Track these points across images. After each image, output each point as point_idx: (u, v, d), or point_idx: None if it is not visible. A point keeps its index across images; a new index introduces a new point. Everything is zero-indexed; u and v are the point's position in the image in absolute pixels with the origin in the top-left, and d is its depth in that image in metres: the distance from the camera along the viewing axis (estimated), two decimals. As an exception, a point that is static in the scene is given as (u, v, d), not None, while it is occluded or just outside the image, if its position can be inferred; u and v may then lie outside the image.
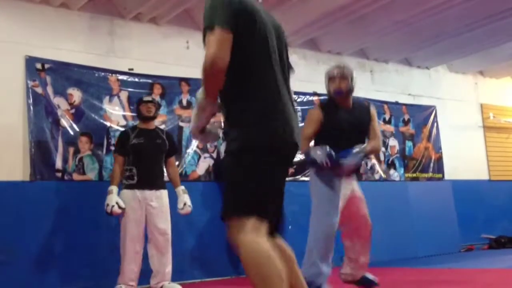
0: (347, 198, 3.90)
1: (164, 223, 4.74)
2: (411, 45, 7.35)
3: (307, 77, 6.98)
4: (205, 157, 6.01)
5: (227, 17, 2.11)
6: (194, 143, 5.94)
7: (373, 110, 4.13)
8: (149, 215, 4.69)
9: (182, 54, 6.13)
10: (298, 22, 6.34)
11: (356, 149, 3.75)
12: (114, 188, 4.65)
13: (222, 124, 2.42)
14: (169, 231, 4.77)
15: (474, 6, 6.09)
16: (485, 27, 6.71)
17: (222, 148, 6.13)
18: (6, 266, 4.64)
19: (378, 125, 4.18)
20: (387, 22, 6.43)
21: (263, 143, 2.16)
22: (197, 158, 5.96)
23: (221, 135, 2.47)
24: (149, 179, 4.72)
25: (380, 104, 7.57)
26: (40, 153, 5.02)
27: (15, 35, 5.15)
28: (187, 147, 5.90)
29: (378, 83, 7.84)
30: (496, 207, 8.33)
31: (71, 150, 5.21)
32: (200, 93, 2.25)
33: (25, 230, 4.82)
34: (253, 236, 2.08)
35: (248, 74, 2.21)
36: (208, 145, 6.03)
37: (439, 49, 7.53)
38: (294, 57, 6.99)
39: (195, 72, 6.08)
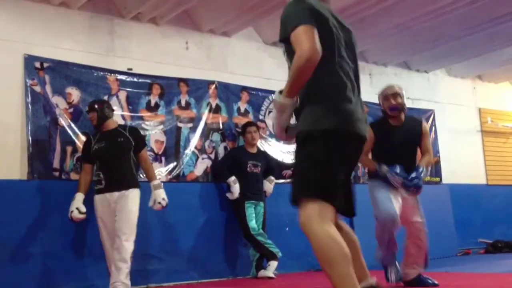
0: (400, 202, 4.21)
1: (121, 223, 4.49)
2: (410, 49, 7.36)
3: (306, 79, 6.99)
4: (203, 158, 6.00)
5: (306, 16, 2.25)
6: (192, 144, 5.93)
7: (425, 125, 4.53)
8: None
9: (182, 54, 6.13)
10: (297, 24, 6.35)
11: (422, 170, 4.17)
12: (77, 195, 4.67)
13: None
14: (126, 231, 4.48)
15: (473, 10, 6.10)
16: (484, 31, 6.73)
17: (221, 148, 6.13)
18: (2, 264, 4.63)
19: (429, 140, 4.60)
20: (386, 25, 6.45)
21: (328, 130, 2.30)
22: (195, 159, 5.95)
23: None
24: (115, 181, 4.64)
25: (378, 107, 7.55)
26: (38, 152, 5.01)
27: (14, 33, 5.14)
28: (185, 148, 5.89)
29: (376, 86, 7.76)
30: (493, 212, 8.34)
31: (69, 149, 5.20)
32: (278, 95, 2.35)
33: (22, 228, 4.81)
34: (320, 221, 2.20)
35: (320, 69, 2.27)
36: (206, 146, 6.03)
37: (438, 53, 7.55)
38: (293, 59, 6.99)
39: (194, 72, 6.17)
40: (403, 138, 4.29)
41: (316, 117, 2.32)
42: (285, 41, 2.32)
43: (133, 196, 4.64)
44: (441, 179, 8.05)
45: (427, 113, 8.15)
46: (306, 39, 2.19)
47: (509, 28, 6.68)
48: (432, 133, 8.13)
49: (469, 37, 6.89)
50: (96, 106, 4.87)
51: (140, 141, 4.92)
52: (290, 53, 2.33)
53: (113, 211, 4.59)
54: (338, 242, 2.17)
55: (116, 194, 4.61)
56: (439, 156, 8.15)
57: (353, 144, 2.39)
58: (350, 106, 2.34)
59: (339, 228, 2.33)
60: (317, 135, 2.31)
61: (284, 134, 2.46)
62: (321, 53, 2.18)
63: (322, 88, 2.34)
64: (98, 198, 4.68)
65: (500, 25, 6.54)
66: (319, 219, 2.21)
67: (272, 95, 6.62)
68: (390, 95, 4.35)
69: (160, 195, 4.79)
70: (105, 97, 5.48)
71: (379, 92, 4.51)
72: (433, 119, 8.19)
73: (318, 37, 2.22)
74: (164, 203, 4.79)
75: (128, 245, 4.45)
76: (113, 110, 5.03)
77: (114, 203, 4.60)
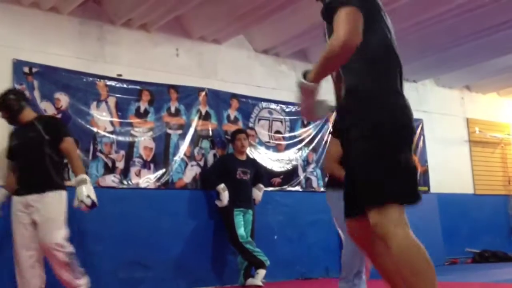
0: None
1: (44, 232, 3.95)
2: (399, 59, 7.40)
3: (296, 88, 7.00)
4: (192, 165, 5.99)
5: (359, 1, 2.07)
6: (181, 151, 5.92)
7: None
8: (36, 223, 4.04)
9: (172, 61, 6.12)
10: (288, 32, 6.38)
11: None
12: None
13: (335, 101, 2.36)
14: (53, 240, 3.94)
15: (461, 22, 6.16)
16: (472, 42, 6.79)
17: (210, 156, 6.12)
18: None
19: None
20: (376, 35, 6.48)
21: (403, 121, 2.15)
22: (184, 166, 5.94)
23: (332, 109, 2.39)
24: (28, 181, 4.09)
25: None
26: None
27: (3, 38, 5.11)
28: (174, 154, 5.88)
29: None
30: (481, 221, 8.38)
31: (57, 155, 5.15)
32: (302, 78, 2.17)
33: (9, 236, 4.75)
34: (405, 229, 2.02)
35: (378, 57, 2.17)
36: (196, 153, 6.02)
37: (427, 64, 7.60)
38: (283, 68, 7.04)
39: (184, 79, 6.17)
40: None
41: (389, 109, 2.14)
42: (328, 19, 2.15)
43: (49, 201, 4.00)
44: (429, 188, 8.08)
45: (416, 123, 8.18)
46: (347, 22, 2.02)
47: (497, 40, 6.75)
48: (421, 143, 8.18)
49: (457, 48, 6.95)
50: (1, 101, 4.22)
51: (58, 133, 4.18)
52: (331, 33, 2.15)
53: (27, 213, 4.04)
54: (425, 251, 2.04)
55: (29, 197, 4.04)
56: (427, 165, 8.19)
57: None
58: (405, 98, 2.24)
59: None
60: (394, 127, 2.11)
61: (313, 115, 2.27)
62: (359, 41, 2.02)
63: (389, 81, 2.20)
64: (14, 199, 4.16)
65: (487, 36, 6.60)
66: (405, 225, 2.03)
67: (262, 103, 6.64)
68: None
69: (83, 193, 3.98)
70: (94, 103, 5.46)
71: None
72: (422, 129, 8.23)
73: (372, 22, 2.12)
74: (88, 202, 3.98)
75: (60, 255, 3.93)
76: (25, 99, 4.37)
77: (27, 208, 4.04)
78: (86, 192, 4.00)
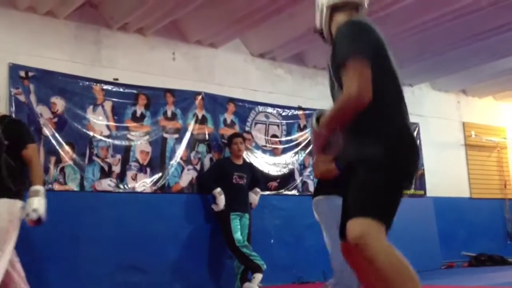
0: None
1: None
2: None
3: (293, 92, 7.02)
4: (188, 169, 5.98)
5: (367, 49, 2.17)
6: (178, 155, 5.90)
7: None
8: None
9: (168, 65, 6.12)
10: (284, 36, 6.38)
11: None
12: None
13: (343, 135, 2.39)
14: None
15: (457, 26, 6.17)
16: (468, 46, 6.80)
17: (207, 160, 6.11)
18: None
19: None
20: (372, 39, 6.49)
21: (406, 168, 2.27)
22: (180, 170, 5.93)
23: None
24: None
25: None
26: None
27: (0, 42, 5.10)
28: (170, 158, 5.87)
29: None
30: (477, 225, 8.39)
31: (53, 159, 5.15)
32: (315, 122, 2.30)
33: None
34: (387, 243, 2.12)
35: (383, 101, 2.22)
36: (192, 157, 6.01)
37: (423, 67, 7.62)
38: (279, 71, 7.04)
39: (181, 83, 6.16)
40: None
41: (399, 153, 2.25)
42: (337, 67, 2.22)
43: (3, 208, 3.55)
44: (425, 192, 8.09)
45: (412, 126, 8.20)
46: (359, 77, 2.11)
47: (492, 44, 6.77)
48: (417, 146, 8.18)
49: (453, 52, 6.97)
50: None
51: (20, 137, 3.75)
52: (340, 79, 2.22)
53: None
54: (405, 261, 2.11)
55: None
56: (423, 169, 8.19)
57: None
58: (416, 146, 2.36)
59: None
60: (398, 168, 2.24)
61: (322, 154, 2.38)
62: (370, 96, 2.11)
63: (392, 126, 2.28)
64: None
65: (483, 40, 6.62)
66: (382, 238, 2.14)
67: (259, 106, 6.64)
68: None
69: (31, 205, 3.52)
70: (90, 107, 5.45)
71: None
72: (418, 133, 8.24)
73: (379, 69, 2.18)
74: (34, 216, 3.50)
75: None
76: None
77: None
78: (36, 205, 3.53)
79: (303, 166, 6.89)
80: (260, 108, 6.68)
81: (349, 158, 2.32)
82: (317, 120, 2.26)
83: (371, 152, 2.21)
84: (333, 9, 2.43)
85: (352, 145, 2.32)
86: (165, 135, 5.89)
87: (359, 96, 2.09)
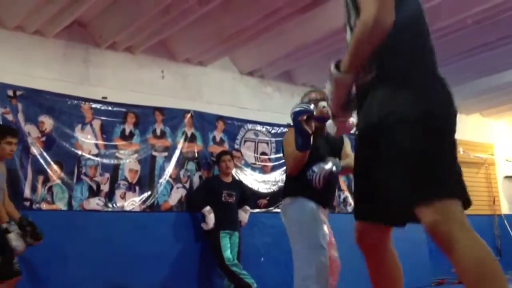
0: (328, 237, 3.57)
1: None
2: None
3: (281, 109, 7.01)
4: (177, 187, 5.95)
5: None
6: (167, 173, 5.88)
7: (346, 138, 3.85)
8: None
9: (157, 83, 6.13)
10: (273, 54, 6.42)
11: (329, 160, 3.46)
12: None
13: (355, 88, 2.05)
14: None
15: (443, 44, 6.22)
16: (455, 64, 6.86)
17: (196, 178, 6.09)
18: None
19: (351, 149, 3.81)
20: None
21: (452, 110, 1.92)
22: (169, 188, 5.90)
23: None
24: None
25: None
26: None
27: (-13, 61, 5.09)
28: (159, 177, 5.84)
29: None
30: (467, 241, 8.40)
31: (41, 178, 5.10)
32: (335, 69, 1.92)
33: None
34: (472, 231, 1.74)
35: (416, 36, 1.94)
36: (181, 175, 5.98)
37: (411, 85, 7.68)
38: (268, 89, 7.07)
39: (170, 101, 6.16)
40: (329, 148, 3.61)
41: (437, 94, 1.92)
42: None
43: None
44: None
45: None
46: (380, 1, 1.75)
47: (479, 61, 6.85)
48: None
49: (440, 69, 7.02)
50: None
51: None
52: (350, 16, 1.92)
53: None
54: (495, 260, 1.74)
55: None
56: (412, 186, 8.21)
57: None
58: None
59: (390, 250, 2.06)
60: (446, 115, 1.90)
61: (343, 111, 2.06)
62: (392, 22, 1.76)
63: (427, 64, 2.01)
64: None
65: (469, 58, 6.70)
66: (467, 224, 1.75)
67: (248, 124, 6.65)
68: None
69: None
70: (79, 126, 5.43)
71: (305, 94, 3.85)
72: (407, 149, 8.28)
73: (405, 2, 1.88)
74: None
75: None
76: None
77: None
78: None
79: (292, 184, 6.87)
80: (249, 125, 6.69)
81: (375, 118, 1.89)
82: (337, 67, 1.92)
83: (416, 109, 1.81)
84: None
85: (379, 99, 1.90)
86: (154, 153, 5.87)
87: (376, 20, 1.74)
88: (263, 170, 6.69)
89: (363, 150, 2.03)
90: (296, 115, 3.22)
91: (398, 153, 1.82)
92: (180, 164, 6.01)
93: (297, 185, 3.47)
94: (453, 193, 1.77)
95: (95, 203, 5.38)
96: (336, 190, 4.44)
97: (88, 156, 5.42)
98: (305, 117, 3.18)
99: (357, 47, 1.83)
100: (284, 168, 6.78)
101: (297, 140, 3.25)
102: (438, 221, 1.74)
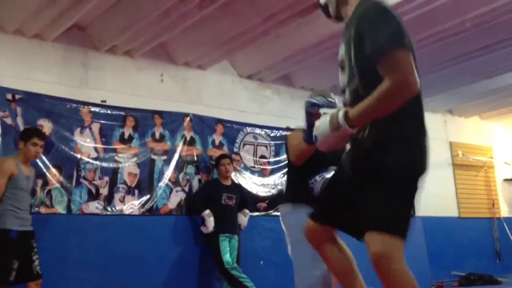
0: None
1: None
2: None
3: (281, 112, 7.04)
4: (177, 191, 5.95)
5: (405, 38, 2.02)
6: (166, 177, 5.88)
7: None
8: None
9: (156, 87, 6.13)
10: (272, 57, 6.43)
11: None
12: None
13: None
14: None
15: (443, 47, 6.25)
16: (454, 67, 6.89)
17: (195, 181, 6.08)
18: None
19: None
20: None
21: (423, 171, 2.12)
22: (168, 192, 5.90)
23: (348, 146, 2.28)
24: None
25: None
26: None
27: (-13, 64, 5.09)
28: (158, 180, 5.83)
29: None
30: (466, 244, 8.41)
31: (40, 182, 5.10)
32: (342, 117, 1.99)
33: None
34: (405, 266, 2.07)
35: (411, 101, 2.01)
36: (181, 179, 5.99)
37: (409, 88, 7.68)
38: (267, 92, 7.07)
39: (169, 105, 6.16)
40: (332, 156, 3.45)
41: (416, 156, 2.10)
42: (372, 57, 1.97)
43: None
44: (414, 212, 8.08)
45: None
46: (410, 66, 1.93)
47: (478, 64, 6.85)
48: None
49: (439, 72, 7.04)
50: None
51: None
52: (368, 73, 2.00)
53: None
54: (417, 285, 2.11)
55: None
56: (412, 189, 8.21)
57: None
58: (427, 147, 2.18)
59: (335, 241, 2.37)
60: (417, 175, 2.12)
61: (326, 150, 2.16)
62: (419, 86, 1.95)
63: (413, 124, 2.11)
64: None
65: (467, 61, 6.70)
66: (403, 259, 2.07)
67: (247, 127, 6.64)
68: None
69: None
70: (78, 129, 5.43)
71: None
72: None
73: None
74: None
75: None
76: None
77: None
78: None
79: (292, 187, 6.87)
80: (249, 129, 6.69)
81: (363, 160, 2.12)
82: (344, 117, 1.98)
83: (401, 161, 2.05)
84: None
85: (371, 146, 2.09)
86: (153, 156, 5.87)
87: (411, 84, 1.90)
88: (262, 173, 6.69)
89: (349, 168, 2.27)
90: (309, 106, 3.28)
91: (378, 183, 2.06)
92: (179, 167, 6.01)
93: (298, 191, 3.47)
94: (403, 234, 2.06)
95: (94, 206, 5.38)
96: None
97: (87, 159, 5.42)
98: (317, 111, 3.15)
99: (377, 106, 1.93)
100: (284, 171, 6.80)
101: (305, 131, 3.26)
102: (382, 253, 2.01)
